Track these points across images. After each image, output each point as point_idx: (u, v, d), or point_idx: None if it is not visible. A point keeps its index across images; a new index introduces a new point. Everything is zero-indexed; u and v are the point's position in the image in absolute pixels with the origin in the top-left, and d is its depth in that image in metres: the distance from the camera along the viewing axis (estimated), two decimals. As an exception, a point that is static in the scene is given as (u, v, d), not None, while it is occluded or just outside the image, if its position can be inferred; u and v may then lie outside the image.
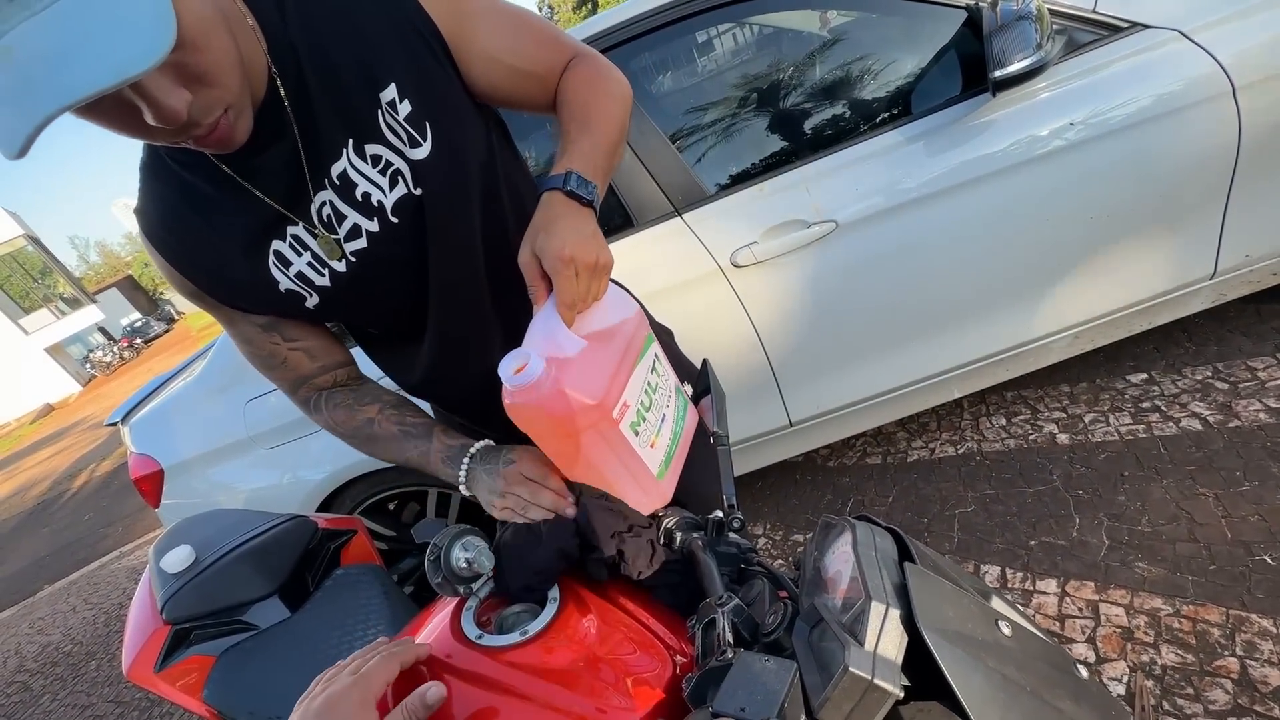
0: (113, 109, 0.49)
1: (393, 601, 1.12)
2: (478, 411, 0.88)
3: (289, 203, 0.68)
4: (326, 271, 0.71)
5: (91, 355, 27.24)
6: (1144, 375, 1.82)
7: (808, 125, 1.65)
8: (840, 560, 0.52)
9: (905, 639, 0.40)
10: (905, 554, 0.48)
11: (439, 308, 0.77)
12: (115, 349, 27.56)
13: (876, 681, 0.38)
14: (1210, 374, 1.73)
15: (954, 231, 1.50)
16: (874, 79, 1.61)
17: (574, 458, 0.67)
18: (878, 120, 1.55)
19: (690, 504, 0.80)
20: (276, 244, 0.70)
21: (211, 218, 0.68)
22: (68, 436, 13.89)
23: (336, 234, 0.69)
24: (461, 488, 0.74)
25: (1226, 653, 1.16)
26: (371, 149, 0.67)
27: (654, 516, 0.77)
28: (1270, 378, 1.63)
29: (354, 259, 0.71)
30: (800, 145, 1.62)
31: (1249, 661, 1.13)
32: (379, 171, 0.68)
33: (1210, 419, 1.60)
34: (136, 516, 5.53)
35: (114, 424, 2.06)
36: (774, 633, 0.51)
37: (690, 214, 1.54)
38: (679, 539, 0.72)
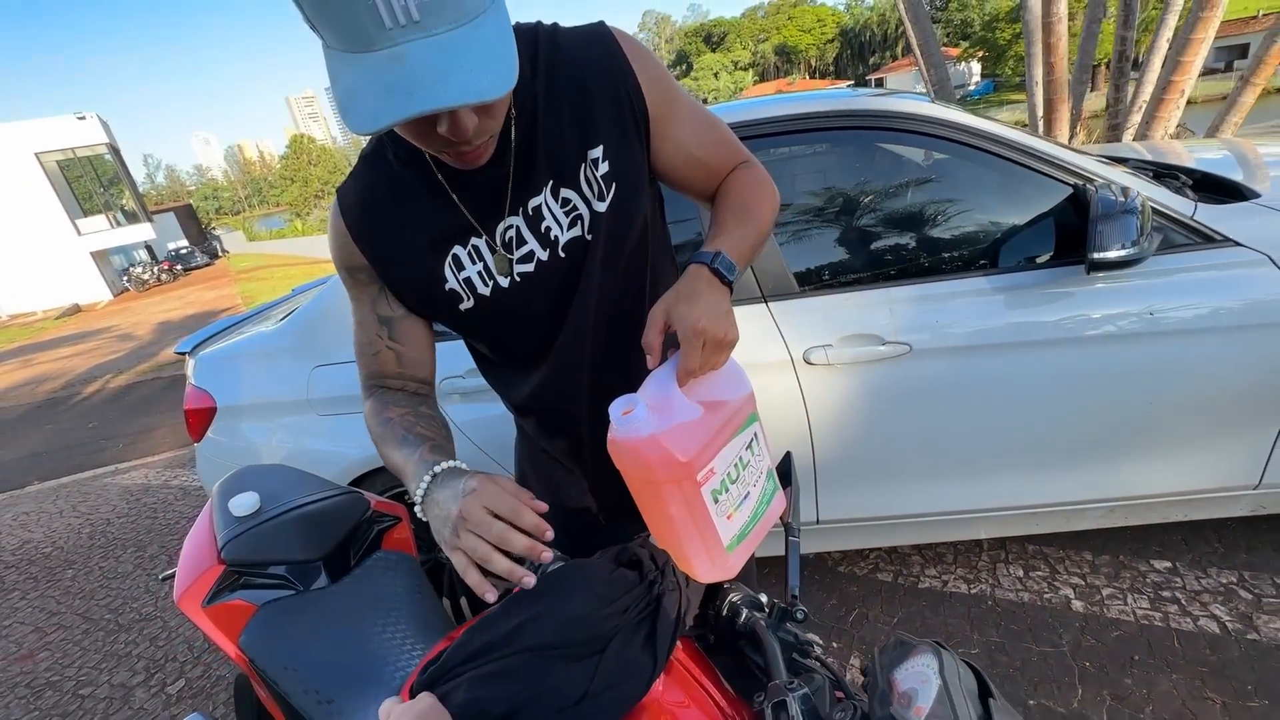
0: (424, 118, 0.58)
1: (423, 599, 1.16)
2: (571, 444, 0.94)
3: (481, 218, 0.77)
4: (491, 284, 0.80)
5: (131, 270, 27.88)
6: (1168, 564, 1.84)
7: (901, 250, 1.75)
8: (916, 679, 0.57)
9: (989, 772, 0.45)
10: (985, 691, 0.53)
11: (564, 342, 0.85)
12: (155, 269, 28.23)
13: (959, 804, 0.43)
14: (1235, 580, 1.74)
15: (1018, 384, 1.57)
16: (969, 223, 1.72)
17: (653, 507, 0.72)
18: (969, 264, 1.64)
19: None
20: (457, 248, 0.79)
21: (410, 210, 0.78)
22: (90, 341, 14.11)
23: (512, 255, 0.79)
24: (417, 509, 0.68)
25: None
26: (565, 192, 0.77)
27: (715, 589, 0.82)
28: (1295, 599, 1.65)
29: (519, 279, 0.80)
30: (890, 267, 1.72)
31: None
32: (565, 212, 0.77)
33: (1229, 625, 1.61)
34: (139, 436, 5.60)
35: (183, 354, 2.16)
36: (841, 730, 0.56)
37: (775, 304, 1.64)
38: (744, 615, 0.78)
